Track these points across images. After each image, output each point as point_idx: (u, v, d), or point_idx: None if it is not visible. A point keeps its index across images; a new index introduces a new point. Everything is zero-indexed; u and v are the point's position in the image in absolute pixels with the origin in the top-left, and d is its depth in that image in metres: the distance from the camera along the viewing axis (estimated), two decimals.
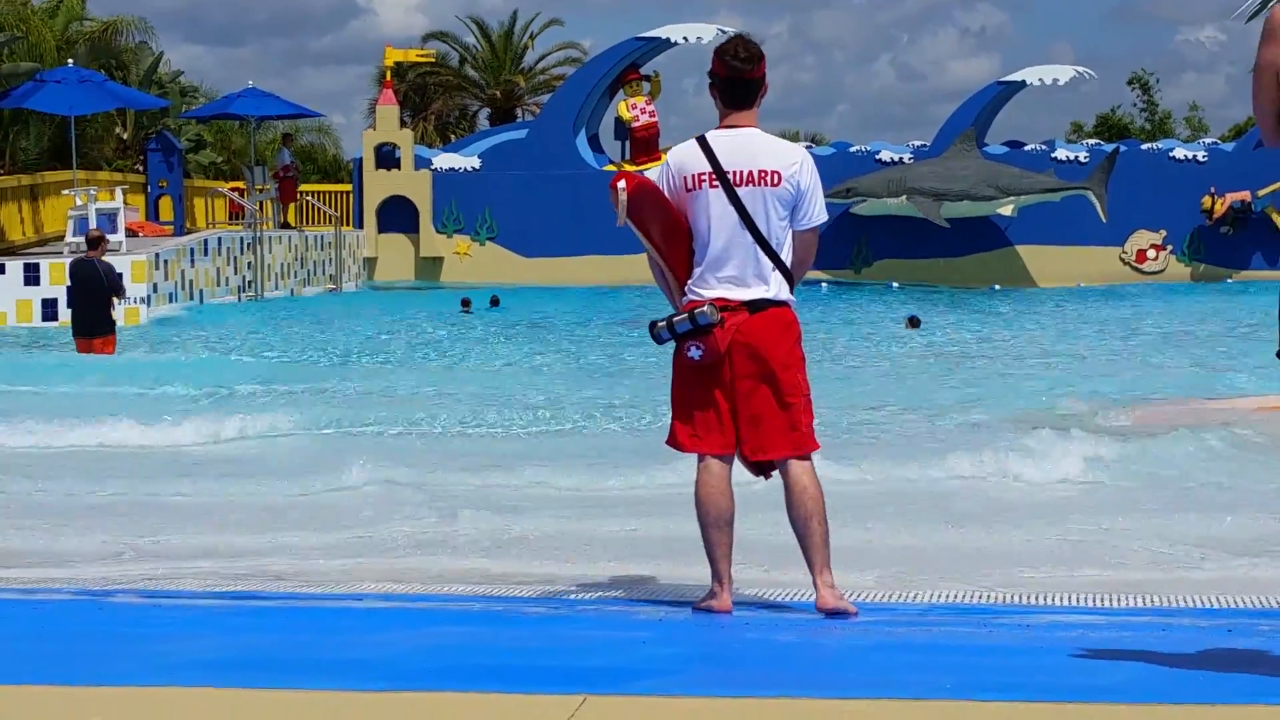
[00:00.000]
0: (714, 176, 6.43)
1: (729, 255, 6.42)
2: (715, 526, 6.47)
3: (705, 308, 6.37)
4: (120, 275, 19.29)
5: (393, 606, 6.84)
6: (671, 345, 6.55)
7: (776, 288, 6.46)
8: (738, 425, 6.47)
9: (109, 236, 26.68)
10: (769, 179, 6.41)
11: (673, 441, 6.61)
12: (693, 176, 6.46)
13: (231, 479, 11.17)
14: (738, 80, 6.47)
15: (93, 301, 18.55)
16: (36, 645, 5.82)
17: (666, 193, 6.51)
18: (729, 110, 6.52)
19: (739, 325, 6.41)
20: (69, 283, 18.54)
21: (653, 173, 6.60)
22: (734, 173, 6.41)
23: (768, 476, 6.63)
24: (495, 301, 31.13)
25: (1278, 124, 4.90)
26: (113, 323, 18.77)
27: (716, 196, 6.43)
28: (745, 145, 6.45)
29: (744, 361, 6.44)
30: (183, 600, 7.04)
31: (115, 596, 7.03)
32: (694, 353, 6.40)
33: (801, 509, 6.44)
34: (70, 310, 18.44)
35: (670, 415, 6.59)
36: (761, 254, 6.42)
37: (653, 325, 6.44)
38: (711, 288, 6.44)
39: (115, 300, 18.70)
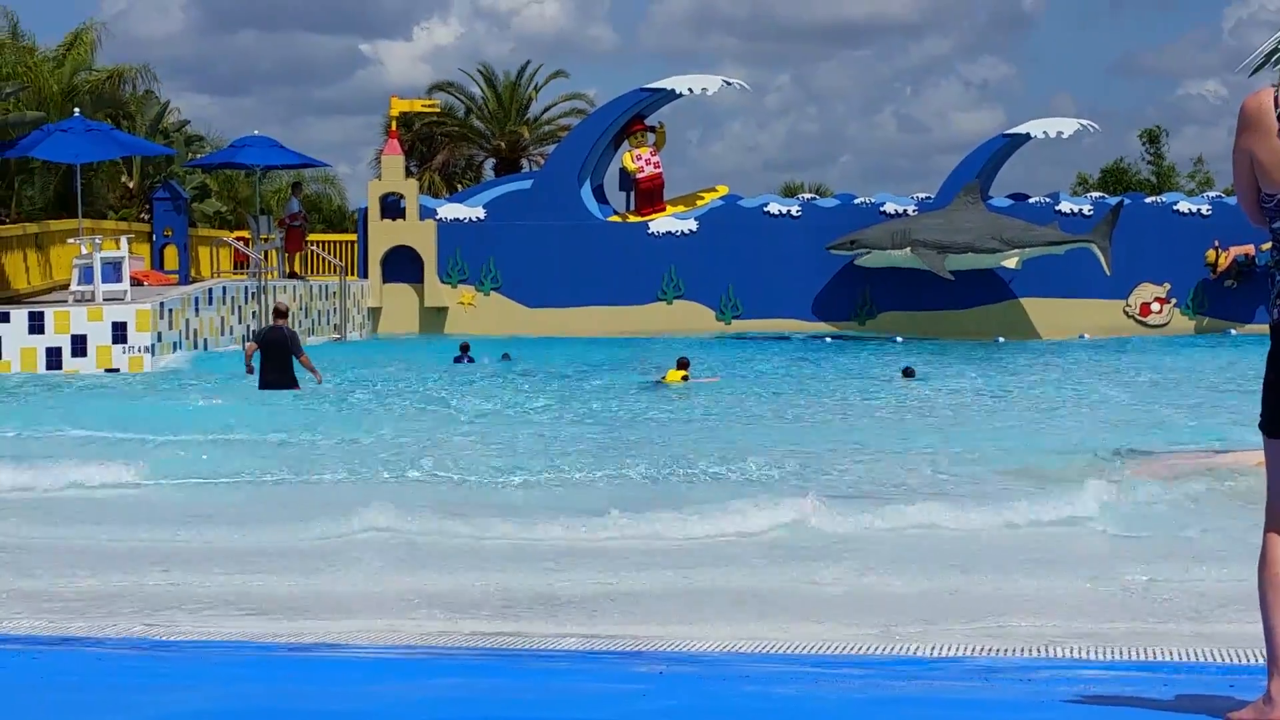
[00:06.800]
0: None
1: None
2: None
3: None
4: (298, 339, 22.82)
5: (391, 657, 6.82)
6: None
7: None
8: None
9: (113, 286, 26.89)
10: None
11: None
12: None
13: (229, 527, 11.13)
14: None
15: (281, 361, 21.78)
16: (38, 697, 5.81)
17: None
18: None
19: None
20: (256, 345, 22.19)
21: None
22: None
23: None
24: (506, 358, 31.07)
25: (1256, 206, 5.08)
26: (295, 377, 21.83)
27: None
28: None
29: None
30: (180, 651, 7.02)
31: (114, 647, 7.02)
32: None
33: None
34: (260, 368, 21.85)
35: None
36: None
37: None
38: None
39: (296, 359, 21.81)
